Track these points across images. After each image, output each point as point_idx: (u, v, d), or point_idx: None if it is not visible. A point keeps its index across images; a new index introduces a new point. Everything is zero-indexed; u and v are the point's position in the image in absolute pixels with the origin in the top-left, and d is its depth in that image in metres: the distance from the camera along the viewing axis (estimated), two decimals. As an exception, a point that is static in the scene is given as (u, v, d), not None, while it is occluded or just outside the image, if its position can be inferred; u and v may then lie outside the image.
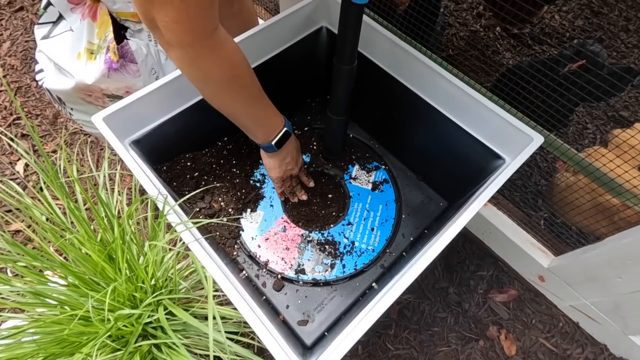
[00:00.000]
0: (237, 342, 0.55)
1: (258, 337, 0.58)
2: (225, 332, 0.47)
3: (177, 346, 0.48)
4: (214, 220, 0.50)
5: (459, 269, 0.96)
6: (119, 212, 0.57)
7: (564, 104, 0.70)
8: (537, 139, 0.53)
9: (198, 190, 0.61)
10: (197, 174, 0.72)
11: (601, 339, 0.84)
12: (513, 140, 0.57)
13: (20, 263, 0.51)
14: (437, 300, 0.93)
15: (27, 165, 1.10)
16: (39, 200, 0.89)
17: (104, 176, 0.58)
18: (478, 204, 0.50)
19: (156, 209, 0.66)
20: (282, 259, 0.69)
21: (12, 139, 1.11)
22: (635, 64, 1.48)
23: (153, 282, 0.52)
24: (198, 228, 0.49)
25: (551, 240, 0.85)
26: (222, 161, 0.75)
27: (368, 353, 0.86)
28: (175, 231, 0.44)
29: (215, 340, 0.54)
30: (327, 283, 0.67)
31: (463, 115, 0.63)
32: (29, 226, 0.95)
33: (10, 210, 1.01)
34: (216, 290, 0.60)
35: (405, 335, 0.88)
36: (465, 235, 1.00)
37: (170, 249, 0.57)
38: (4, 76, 1.26)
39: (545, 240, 0.85)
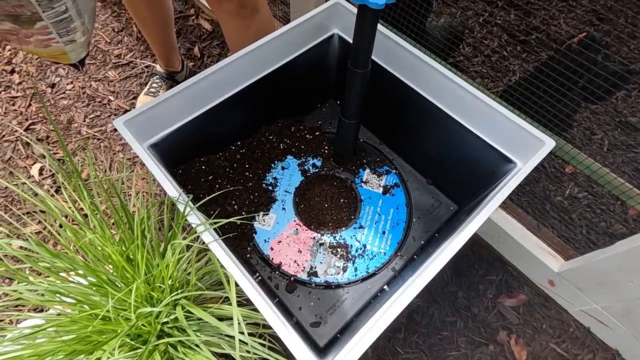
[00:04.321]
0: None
1: (270, 338, 0.59)
2: (241, 332, 0.47)
3: (197, 346, 0.48)
4: (234, 219, 0.51)
5: (468, 273, 0.97)
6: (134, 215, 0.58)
7: (571, 106, 0.71)
8: (548, 143, 0.54)
9: (214, 195, 0.63)
10: (211, 177, 0.74)
11: (613, 344, 0.84)
12: (524, 144, 0.57)
13: (43, 263, 0.52)
14: (446, 304, 0.93)
15: (41, 169, 1.12)
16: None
17: (121, 179, 0.59)
18: (489, 209, 0.51)
19: (172, 211, 0.67)
20: (295, 261, 0.70)
21: (29, 143, 1.14)
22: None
23: (171, 282, 0.54)
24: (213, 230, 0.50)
25: (561, 245, 0.85)
26: (235, 165, 0.77)
27: (377, 356, 0.86)
28: (196, 232, 0.45)
29: (231, 337, 0.55)
30: (339, 286, 0.68)
31: (473, 119, 0.64)
32: (44, 228, 0.97)
33: (28, 213, 1.03)
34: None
35: (414, 339, 0.88)
36: (474, 239, 1.00)
37: (189, 245, 0.58)
38: (20, 83, 1.29)
39: (555, 245, 0.85)
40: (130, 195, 0.69)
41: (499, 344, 0.88)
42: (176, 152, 0.67)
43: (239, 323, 0.45)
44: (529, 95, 0.75)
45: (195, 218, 0.47)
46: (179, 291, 0.51)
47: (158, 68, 1.19)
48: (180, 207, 0.47)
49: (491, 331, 0.90)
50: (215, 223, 0.47)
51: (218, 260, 0.45)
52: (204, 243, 0.50)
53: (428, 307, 0.93)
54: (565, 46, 0.87)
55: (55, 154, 1.15)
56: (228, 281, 0.45)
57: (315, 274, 0.68)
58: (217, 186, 0.74)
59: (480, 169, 0.66)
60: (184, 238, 0.52)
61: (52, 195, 1.04)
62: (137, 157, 1.13)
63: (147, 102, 0.58)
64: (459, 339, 0.89)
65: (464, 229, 0.49)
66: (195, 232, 0.46)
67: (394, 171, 0.80)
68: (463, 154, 0.68)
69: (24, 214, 1.02)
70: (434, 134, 0.72)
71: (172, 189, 0.49)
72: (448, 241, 0.52)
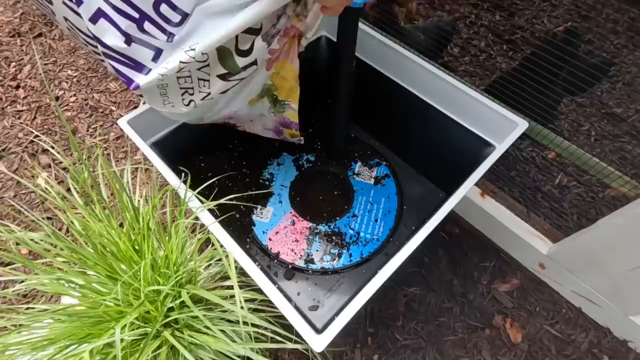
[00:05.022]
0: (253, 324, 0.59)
1: (269, 319, 0.62)
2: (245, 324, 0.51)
3: (206, 327, 0.51)
4: (230, 198, 0.54)
5: (463, 262, 1.00)
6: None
7: (552, 96, 0.75)
8: (522, 125, 0.58)
9: (214, 179, 0.66)
10: (210, 174, 0.78)
11: (604, 323, 0.87)
12: (501, 128, 0.61)
13: (60, 258, 0.56)
14: (443, 292, 0.96)
15: (47, 178, 1.16)
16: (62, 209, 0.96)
17: (127, 176, 0.63)
18: (465, 187, 0.55)
19: (173, 204, 0.71)
20: (292, 250, 0.73)
21: (34, 154, 1.18)
22: (625, 63, 1.54)
23: (175, 268, 0.57)
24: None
25: (549, 229, 0.88)
26: (233, 162, 0.81)
27: (377, 344, 0.89)
28: (197, 214, 0.49)
29: (235, 323, 0.58)
30: (335, 271, 0.71)
31: (454, 108, 0.68)
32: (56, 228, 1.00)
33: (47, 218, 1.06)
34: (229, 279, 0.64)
35: (412, 326, 0.91)
36: (467, 229, 1.03)
37: (192, 228, 0.62)
38: (25, 97, 1.34)
39: (543, 228, 0.88)
40: (135, 196, 0.73)
41: (494, 327, 0.91)
42: (176, 150, 0.71)
43: (242, 301, 0.49)
44: (510, 87, 0.79)
45: (196, 202, 0.50)
46: (184, 274, 0.55)
47: None
48: (181, 194, 0.51)
49: (487, 316, 0.92)
50: (216, 203, 0.51)
51: (218, 240, 0.48)
52: (206, 231, 0.54)
53: (425, 296, 0.95)
54: (551, 34, 0.92)
55: (59, 163, 1.19)
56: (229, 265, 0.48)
57: (312, 261, 0.72)
58: (216, 182, 0.78)
59: (464, 155, 0.70)
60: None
61: (63, 198, 1.09)
62: (139, 163, 1.18)
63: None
64: (456, 324, 0.91)
65: (443, 207, 0.52)
66: (197, 217, 0.49)
67: (384, 163, 0.84)
68: (447, 142, 0.72)
69: (33, 221, 1.06)
70: (420, 126, 0.76)
71: (173, 178, 0.53)
72: (430, 220, 0.55)
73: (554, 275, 0.89)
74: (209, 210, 0.53)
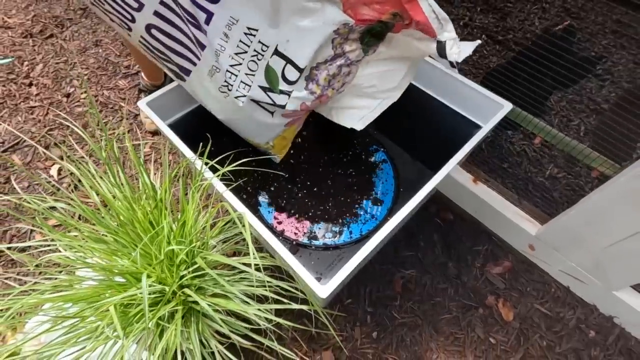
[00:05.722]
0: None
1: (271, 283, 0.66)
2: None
3: (225, 289, 0.56)
4: (241, 163, 0.60)
5: (457, 246, 1.05)
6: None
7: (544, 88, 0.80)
8: (506, 106, 0.64)
9: (222, 156, 0.71)
10: (219, 158, 0.83)
11: (590, 300, 0.91)
12: (488, 110, 0.67)
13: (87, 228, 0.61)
14: (438, 274, 1.01)
15: (60, 170, 1.21)
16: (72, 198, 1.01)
17: (142, 154, 0.69)
18: (451, 163, 0.60)
19: (186, 183, 0.76)
20: (296, 227, 0.78)
21: (47, 147, 1.24)
22: (613, 62, 1.61)
23: (190, 238, 0.62)
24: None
25: (537, 212, 0.94)
26: (239, 146, 0.86)
27: (376, 322, 0.93)
28: (211, 181, 0.54)
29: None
30: (336, 247, 0.76)
31: (446, 93, 0.74)
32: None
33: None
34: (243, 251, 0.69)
35: (409, 305, 0.95)
36: (460, 216, 1.09)
37: (205, 201, 0.67)
38: (37, 94, 1.40)
39: (532, 212, 0.93)
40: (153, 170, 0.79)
41: (487, 307, 0.96)
42: (188, 134, 0.77)
43: (259, 261, 0.54)
44: (504, 80, 0.84)
45: (209, 174, 0.56)
46: (197, 243, 0.60)
47: (142, 81, 1.29)
48: (198, 165, 0.56)
49: (480, 296, 0.97)
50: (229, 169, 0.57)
51: (231, 205, 0.53)
52: (219, 202, 0.59)
53: (421, 277, 1.00)
54: (551, 32, 0.97)
55: (70, 156, 1.24)
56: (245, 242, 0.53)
57: (315, 238, 0.77)
58: (224, 165, 0.83)
59: (455, 139, 0.75)
60: (200, 198, 0.61)
61: (75, 188, 1.14)
62: (149, 155, 1.23)
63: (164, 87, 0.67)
64: (451, 303, 0.96)
65: (432, 179, 0.58)
66: (211, 186, 0.54)
67: (382, 150, 0.90)
68: (438, 127, 0.78)
69: (49, 208, 1.10)
70: (414, 114, 0.82)
71: (188, 151, 0.58)
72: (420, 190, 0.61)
73: (543, 255, 0.94)
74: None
